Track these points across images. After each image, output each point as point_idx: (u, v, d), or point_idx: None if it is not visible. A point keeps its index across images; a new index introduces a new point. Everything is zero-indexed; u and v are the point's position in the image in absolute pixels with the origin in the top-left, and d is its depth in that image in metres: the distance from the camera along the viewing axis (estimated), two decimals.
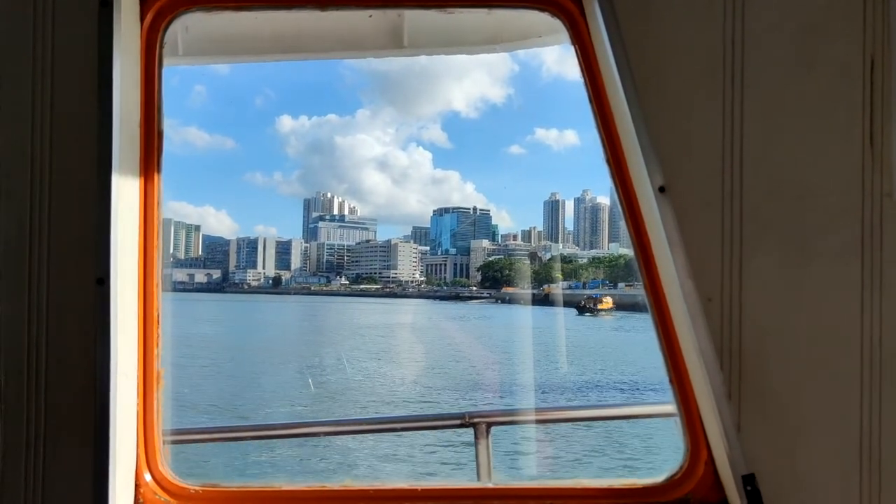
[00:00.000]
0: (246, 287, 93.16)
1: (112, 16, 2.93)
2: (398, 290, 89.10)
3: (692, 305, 2.97)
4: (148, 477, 3.19)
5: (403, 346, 46.66)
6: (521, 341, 45.66)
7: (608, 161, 3.22)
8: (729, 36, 3.03)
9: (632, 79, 2.97)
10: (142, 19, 3.17)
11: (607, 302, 61.83)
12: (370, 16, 3.72)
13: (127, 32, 3.04)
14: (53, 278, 3.01)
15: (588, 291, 67.34)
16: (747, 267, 3.03)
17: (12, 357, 2.99)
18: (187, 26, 3.53)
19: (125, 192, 3.05)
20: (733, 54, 3.03)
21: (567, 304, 63.32)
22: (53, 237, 3.01)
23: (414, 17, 3.81)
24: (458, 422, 4.68)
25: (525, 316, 63.08)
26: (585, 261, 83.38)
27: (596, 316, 59.76)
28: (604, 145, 3.22)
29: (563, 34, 3.24)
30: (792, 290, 3.05)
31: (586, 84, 3.22)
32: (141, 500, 3.15)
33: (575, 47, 3.21)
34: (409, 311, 70.98)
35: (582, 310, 61.05)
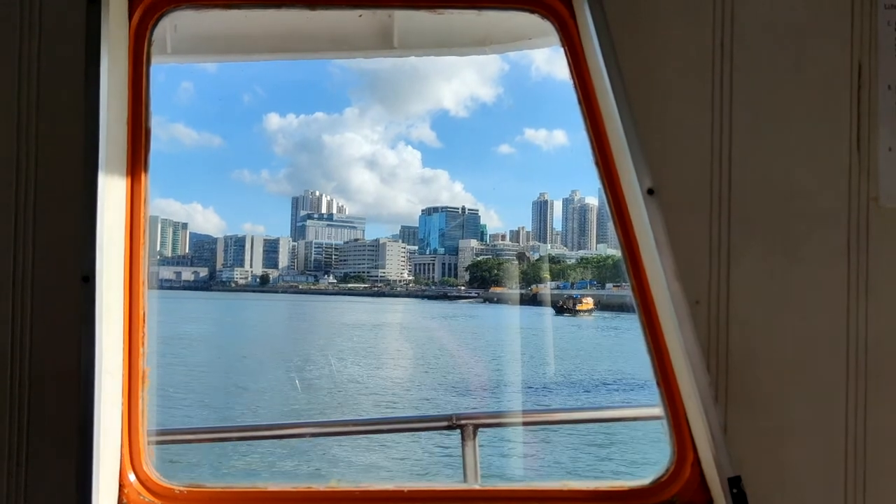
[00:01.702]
0: (233, 285, 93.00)
1: (100, 13, 2.90)
2: (386, 290, 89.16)
3: (679, 307, 2.97)
4: (132, 477, 3.17)
5: (391, 345, 47.33)
6: (498, 340, 48.74)
7: (597, 163, 3.22)
8: (718, 39, 3.04)
9: (621, 81, 2.97)
10: (130, 17, 3.15)
11: (587, 303, 63.11)
12: (360, 16, 3.71)
13: (115, 30, 3.02)
14: (38, 276, 2.99)
15: (576, 291, 68.00)
16: (735, 269, 3.04)
17: None
18: (176, 24, 3.51)
19: (112, 189, 3.03)
20: (722, 58, 3.04)
21: (555, 304, 64.34)
22: (39, 234, 2.99)
23: (404, 18, 3.80)
24: (445, 423, 4.68)
25: (508, 315, 65.36)
26: (573, 261, 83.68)
27: (575, 316, 60.52)
28: (593, 147, 3.22)
29: (553, 36, 3.24)
30: (779, 292, 3.06)
31: (576, 86, 3.22)
32: (125, 501, 3.13)
33: (564, 49, 3.21)
34: (398, 311, 71.43)
35: (560, 310, 62.13)
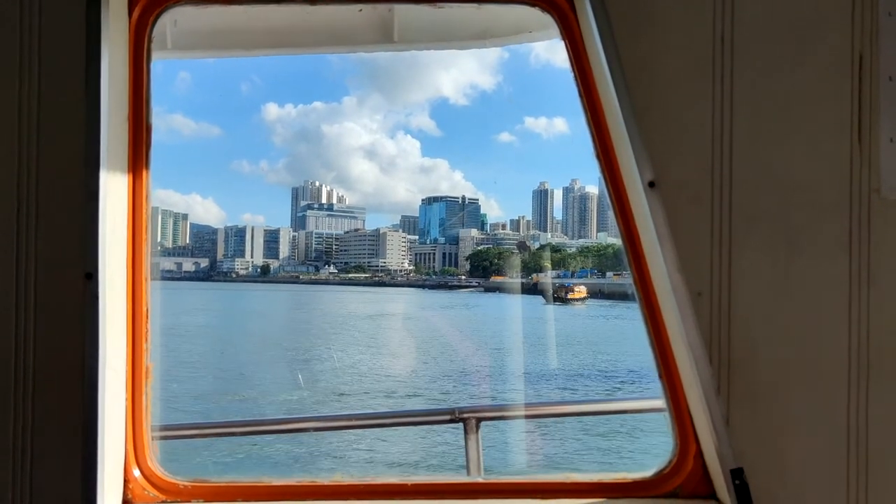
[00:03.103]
0: (234, 276, 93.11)
1: (100, 9, 2.90)
2: (387, 279, 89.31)
3: (681, 300, 2.98)
4: (137, 472, 3.18)
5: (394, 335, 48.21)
6: (489, 328, 50.60)
7: (598, 156, 3.22)
8: (719, 31, 3.03)
9: (622, 74, 2.97)
10: (130, 13, 3.14)
11: (579, 291, 63.64)
12: (360, 10, 3.70)
13: (115, 26, 3.01)
14: (41, 273, 2.99)
15: (569, 280, 68.33)
16: (736, 261, 3.04)
17: (0, 352, 2.97)
18: (176, 20, 3.50)
19: (113, 186, 3.04)
20: (723, 49, 3.03)
21: (545, 293, 65.37)
22: (41, 232, 2.99)
23: (404, 12, 3.79)
24: (447, 417, 4.69)
25: (505, 304, 66.72)
26: (574, 250, 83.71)
27: (566, 305, 61.05)
28: (594, 140, 3.22)
29: (554, 29, 3.23)
30: (781, 284, 3.06)
31: (576, 79, 3.21)
32: (129, 496, 3.15)
33: (565, 42, 3.21)
34: (399, 301, 71.89)
35: (551, 299, 62.45)
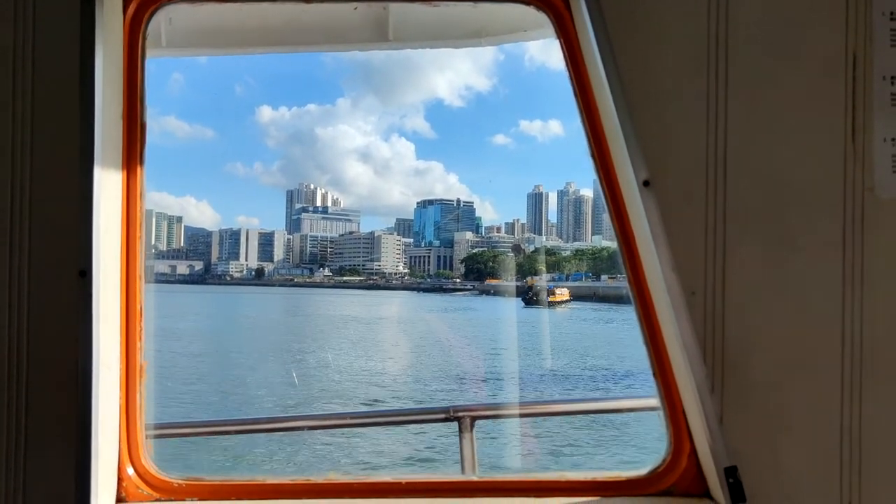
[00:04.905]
0: (228, 279, 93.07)
1: (94, 7, 2.89)
2: (381, 282, 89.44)
3: (676, 299, 2.98)
4: (131, 471, 3.17)
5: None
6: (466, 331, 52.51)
7: (593, 155, 3.22)
8: (713, 31, 3.04)
9: (617, 73, 2.97)
10: (124, 10, 3.14)
11: (561, 294, 63.82)
12: (355, 8, 3.70)
13: (109, 24, 3.01)
14: (35, 271, 2.98)
15: (570, 283, 68.60)
16: (731, 261, 3.05)
17: None
18: (171, 18, 3.51)
19: (107, 184, 3.03)
20: (717, 49, 3.04)
21: (524, 295, 66.31)
22: (35, 229, 2.98)
23: (399, 11, 3.80)
24: (442, 415, 4.70)
25: (492, 307, 68.23)
26: (569, 253, 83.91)
27: (547, 307, 61.44)
28: (588, 139, 3.22)
29: (549, 28, 3.23)
30: (775, 283, 3.07)
31: (571, 78, 3.22)
32: (123, 495, 3.14)
33: (560, 41, 3.21)
34: (394, 304, 72.08)
35: (528, 302, 63.02)
